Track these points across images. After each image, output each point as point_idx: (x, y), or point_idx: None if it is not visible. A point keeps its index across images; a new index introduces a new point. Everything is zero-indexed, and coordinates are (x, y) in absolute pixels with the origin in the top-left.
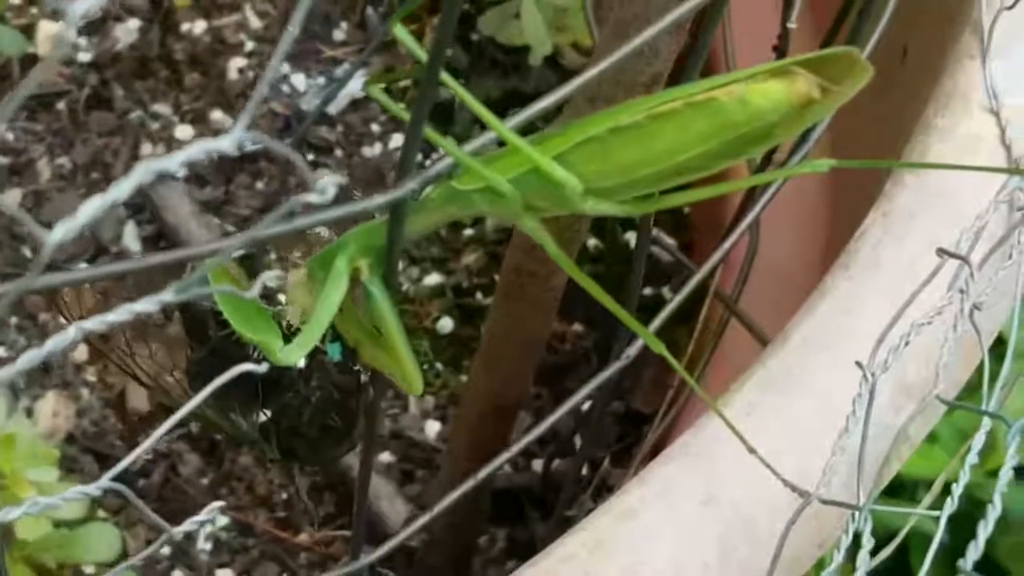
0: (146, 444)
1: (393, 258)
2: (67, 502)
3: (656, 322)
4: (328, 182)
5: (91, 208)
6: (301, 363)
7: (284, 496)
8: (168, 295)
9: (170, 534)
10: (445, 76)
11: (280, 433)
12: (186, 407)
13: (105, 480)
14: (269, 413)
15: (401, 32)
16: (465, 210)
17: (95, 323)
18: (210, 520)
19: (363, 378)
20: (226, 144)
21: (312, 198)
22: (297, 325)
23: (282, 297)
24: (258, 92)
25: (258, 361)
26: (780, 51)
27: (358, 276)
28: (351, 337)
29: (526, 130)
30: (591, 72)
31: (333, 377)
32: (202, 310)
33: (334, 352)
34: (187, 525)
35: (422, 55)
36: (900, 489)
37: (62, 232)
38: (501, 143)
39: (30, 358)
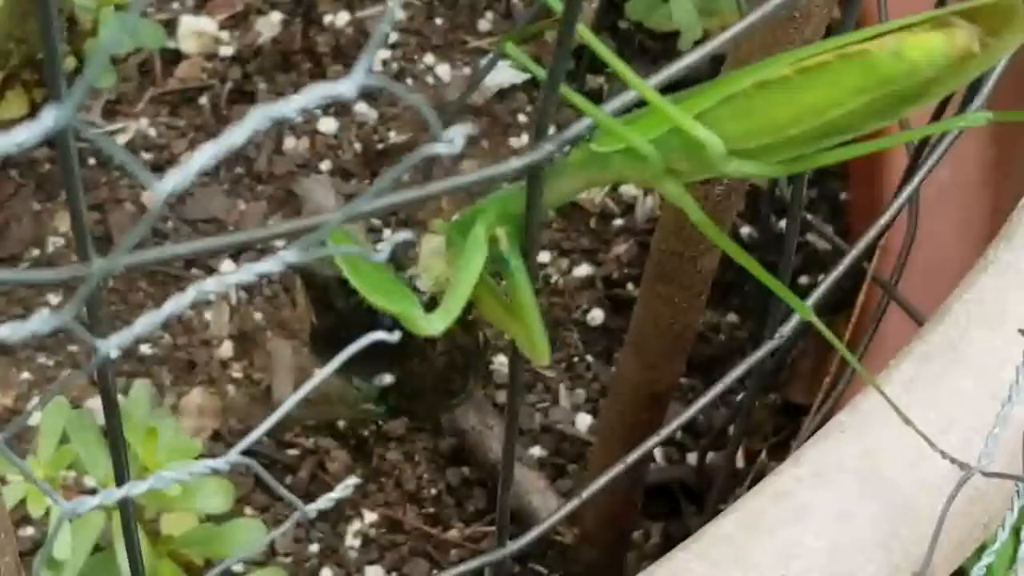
0: (279, 411)
1: (532, 225)
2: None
3: (810, 300)
4: (457, 132)
5: (203, 157)
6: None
7: (433, 491)
8: (291, 255)
9: (302, 512)
10: (581, 28)
11: (401, 396)
12: (317, 377)
13: (233, 454)
14: (393, 378)
15: (512, 50)
16: (604, 174)
17: (215, 284)
18: (345, 495)
19: (481, 335)
20: (346, 88)
21: (440, 148)
22: (430, 291)
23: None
24: (374, 41)
25: (389, 329)
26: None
27: (496, 244)
28: (482, 303)
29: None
30: (732, 31)
31: (457, 339)
32: (326, 279)
33: None
34: (321, 502)
35: (539, 72)
36: None
37: (172, 183)
38: (642, 105)
39: (147, 322)
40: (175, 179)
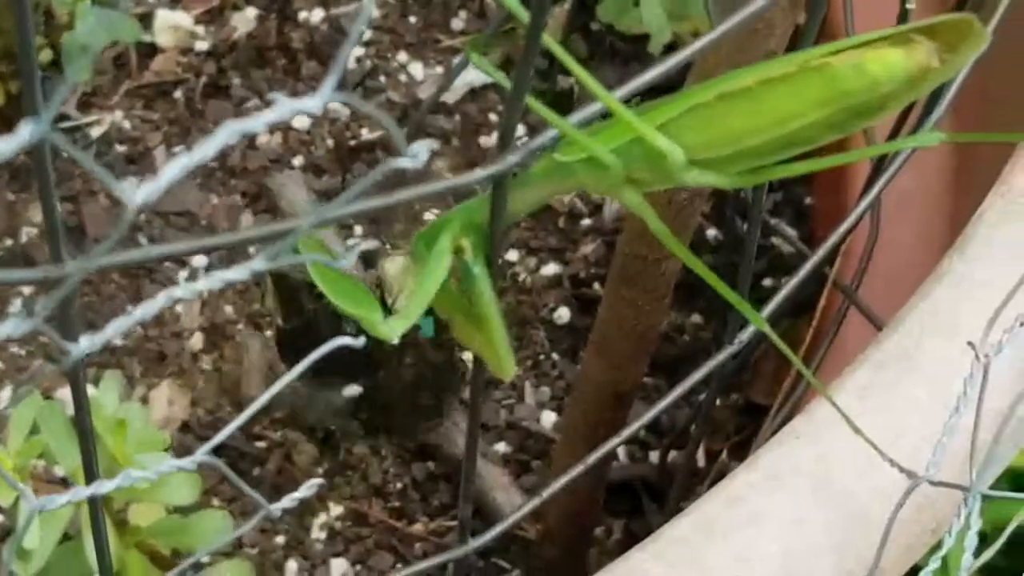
0: (244, 415)
1: (495, 235)
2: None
3: (770, 306)
4: (421, 147)
5: (173, 170)
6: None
7: (399, 486)
8: (259, 263)
9: (268, 510)
10: (546, 37)
11: (372, 409)
12: (283, 379)
13: (200, 454)
14: (360, 389)
15: (477, 59)
16: (568, 183)
17: (184, 290)
18: (309, 495)
19: (457, 355)
20: (313, 104)
21: (405, 163)
22: (395, 302)
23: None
24: (345, 49)
25: (354, 336)
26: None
27: (461, 254)
28: (446, 315)
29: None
30: (700, 43)
31: (427, 354)
32: (296, 281)
33: (427, 328)
34: (285, 502)
35: (503, 80)
36: None
37: (145, 193)
38: (609, 114)
39: (118, 326)
40: (147, 190)
